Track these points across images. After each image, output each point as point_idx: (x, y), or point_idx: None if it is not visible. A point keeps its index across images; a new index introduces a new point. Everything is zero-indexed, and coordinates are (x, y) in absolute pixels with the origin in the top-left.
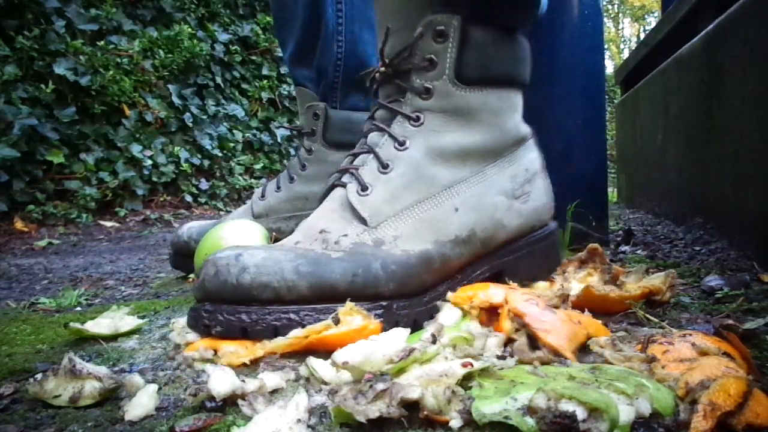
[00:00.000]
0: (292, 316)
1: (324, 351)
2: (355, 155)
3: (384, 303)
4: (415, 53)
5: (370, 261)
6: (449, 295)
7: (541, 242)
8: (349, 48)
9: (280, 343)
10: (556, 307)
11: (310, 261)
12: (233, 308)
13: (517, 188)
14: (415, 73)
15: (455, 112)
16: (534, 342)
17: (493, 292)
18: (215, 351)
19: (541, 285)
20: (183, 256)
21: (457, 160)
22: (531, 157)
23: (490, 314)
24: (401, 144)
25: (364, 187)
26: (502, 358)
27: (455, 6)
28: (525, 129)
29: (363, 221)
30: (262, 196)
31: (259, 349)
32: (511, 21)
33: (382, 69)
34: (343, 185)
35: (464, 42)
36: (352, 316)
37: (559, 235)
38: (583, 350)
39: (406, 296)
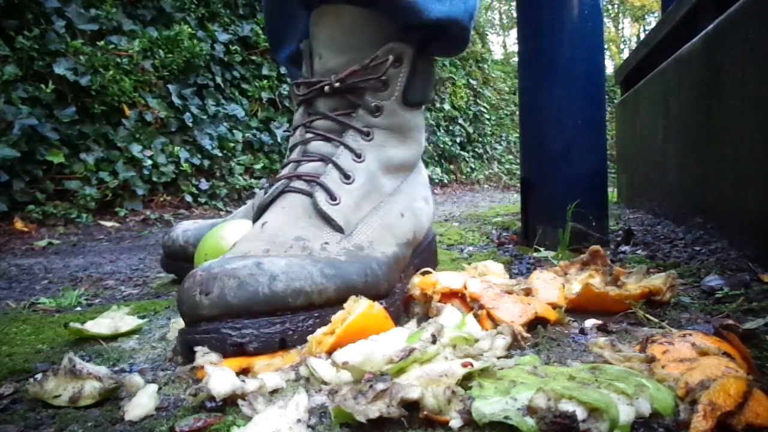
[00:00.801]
0: (321, 320)
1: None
2: (300, 162)
3: (382, 302)
4: (373, 74)
5: (370, 262)
6: (414, 281)
7: (432, 243)
8: None
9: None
10: (510, 293)
11: (328, 264)
12: (268, 320)
13: (426, 195)
14: (368, 92)
15: (396, 130)
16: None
17: (453, 279)
18: (248, 370)
19: (494, 268)
20: (178, 259)
21: (395, 171)
22: (423, 167)
23: (449, 298)
24: (358, 156)
25: (333, 197)
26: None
27: (409, 38)
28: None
29: (339, 229)
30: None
31: (296, 354)
32: (444, 54)
33: (337, 84)
34: (302, 192)
35: (413, 70)
36: (357, 303)
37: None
38: (583, 351)
39: (387, 295)
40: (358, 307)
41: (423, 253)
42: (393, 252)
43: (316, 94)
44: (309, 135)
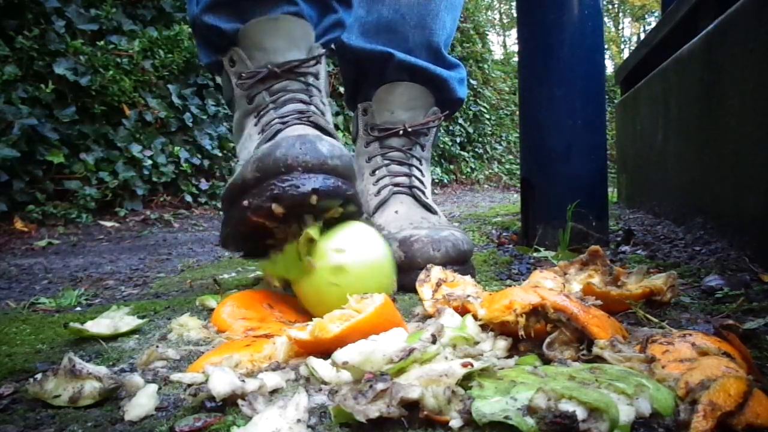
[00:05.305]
0: None
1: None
2: (396, 174)
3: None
4: (425, 126)
5: None
6: (482, 314)
7: None
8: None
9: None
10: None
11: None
12: None
13: None
14: (421, 136)
15: (428, 159)
16: (579, 335)
17: (526, 296)
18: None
19: (539, 277)
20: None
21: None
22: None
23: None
24: (423, 174)
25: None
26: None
27: (442, 106)
28: None
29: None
30: None
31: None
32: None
33: (409, 129)
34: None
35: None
36: (371, 299)
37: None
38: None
39: None
40: (371, 305)
41: None
42: None
43: (392, 135)
44: (386, 161)
